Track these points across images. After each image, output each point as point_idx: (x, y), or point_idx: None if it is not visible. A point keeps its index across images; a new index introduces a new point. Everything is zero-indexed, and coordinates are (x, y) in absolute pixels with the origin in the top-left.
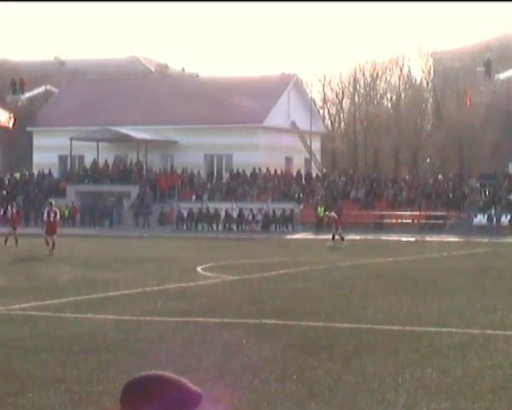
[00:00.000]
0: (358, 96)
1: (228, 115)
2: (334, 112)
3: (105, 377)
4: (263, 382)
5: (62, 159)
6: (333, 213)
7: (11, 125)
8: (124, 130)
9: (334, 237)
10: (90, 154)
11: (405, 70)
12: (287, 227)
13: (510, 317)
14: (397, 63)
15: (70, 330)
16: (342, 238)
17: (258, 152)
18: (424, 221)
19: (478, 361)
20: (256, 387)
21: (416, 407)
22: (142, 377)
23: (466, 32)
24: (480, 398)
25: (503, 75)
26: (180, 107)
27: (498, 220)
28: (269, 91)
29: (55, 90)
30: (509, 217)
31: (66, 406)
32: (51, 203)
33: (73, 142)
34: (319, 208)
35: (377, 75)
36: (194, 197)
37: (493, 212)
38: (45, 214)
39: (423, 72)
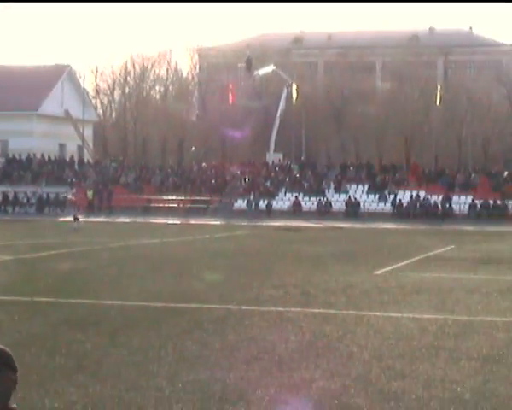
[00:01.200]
0: (129, 88)
1: (3, 103)
2: (106, 102)
3: None
4: (33, 356)
5: None
6: (71, 196)
7: None
8: None
9: (77, 219)
10: None
11: (173, 64)
12: (60, 210)
13: (264, 294)
14: (165, 57)
15: None
16: (76, 219)
17: (33, 138)
18: (189, 205)
19: (234, 335)
20: (26, 361)
21: (176, 378)
22: None
23: (229, 31)
24: (235, 368)
25: (261, 71)
26: None
27: (257, 205)
28: (43, 81)
29: None
30: (266, 202)
31: None
32: None
33: None
34: (89, 192)
35: (147, 68)
36: None
37: (252, 197)
38: None
39: (190, 66)
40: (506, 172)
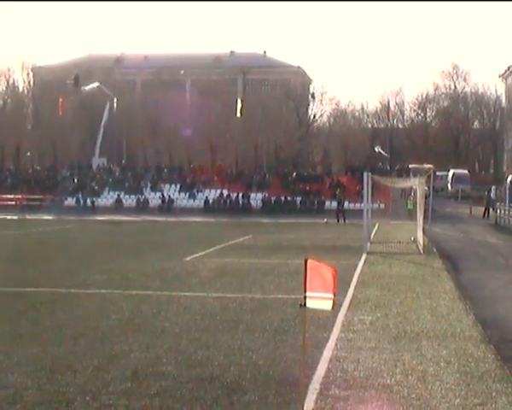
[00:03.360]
0: None
1: None
2: None
3: None
4: None
5: None
6: None
7: None
8: None
9: None
10: None
11: (11, 81)
12: None
13: (90, 278)
14: (4, 74)
15: None
16: None
17: None
18: (25, 203)
19: (63, 314)
20: None
21: (12, 352)
22: None
23: (57, 51)
24: (64, 343)
25: (88, 87)
26: None
27: (85, 202)
28: None
29: None
30: (92, 199)
31: None
32: None
33: None
34: None
35: None
36: None
37: (81, 195)
38: None
39: (25, 82)
40: (295, 173)
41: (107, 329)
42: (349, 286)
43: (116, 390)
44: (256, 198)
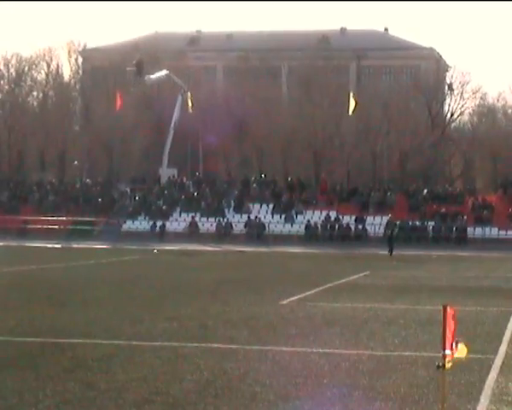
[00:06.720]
0: (2, 94)
1: None
2: None
3: None
4: None
5: None
6: None
7: None
8: None
9: None
10: None
11: (53, 67)
12: None
13: (157, 327)
14: (44, 59)
15: None
16: None
17: None
18: (71, 227)
19: (123, 374)
20: None
21: None
22: None
23: (116, 29)
24: None
25: (154, 76)
26: None
27: (152, 226)
28: None
29: None
30: (161, 223)
31: None
32: None
33: None
34: None
35: (23, 71)
36: None
37: (144, 218)
38: None
39: (71, 70)
40: (425, 190)
41: (179, 394)
42: (501, 341)
43: None
44: (374, 223)
